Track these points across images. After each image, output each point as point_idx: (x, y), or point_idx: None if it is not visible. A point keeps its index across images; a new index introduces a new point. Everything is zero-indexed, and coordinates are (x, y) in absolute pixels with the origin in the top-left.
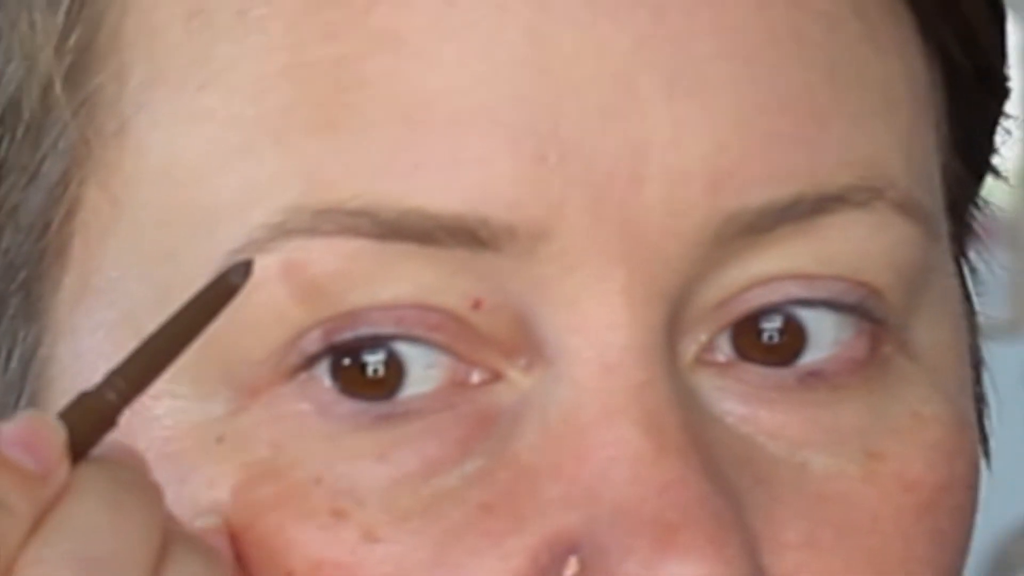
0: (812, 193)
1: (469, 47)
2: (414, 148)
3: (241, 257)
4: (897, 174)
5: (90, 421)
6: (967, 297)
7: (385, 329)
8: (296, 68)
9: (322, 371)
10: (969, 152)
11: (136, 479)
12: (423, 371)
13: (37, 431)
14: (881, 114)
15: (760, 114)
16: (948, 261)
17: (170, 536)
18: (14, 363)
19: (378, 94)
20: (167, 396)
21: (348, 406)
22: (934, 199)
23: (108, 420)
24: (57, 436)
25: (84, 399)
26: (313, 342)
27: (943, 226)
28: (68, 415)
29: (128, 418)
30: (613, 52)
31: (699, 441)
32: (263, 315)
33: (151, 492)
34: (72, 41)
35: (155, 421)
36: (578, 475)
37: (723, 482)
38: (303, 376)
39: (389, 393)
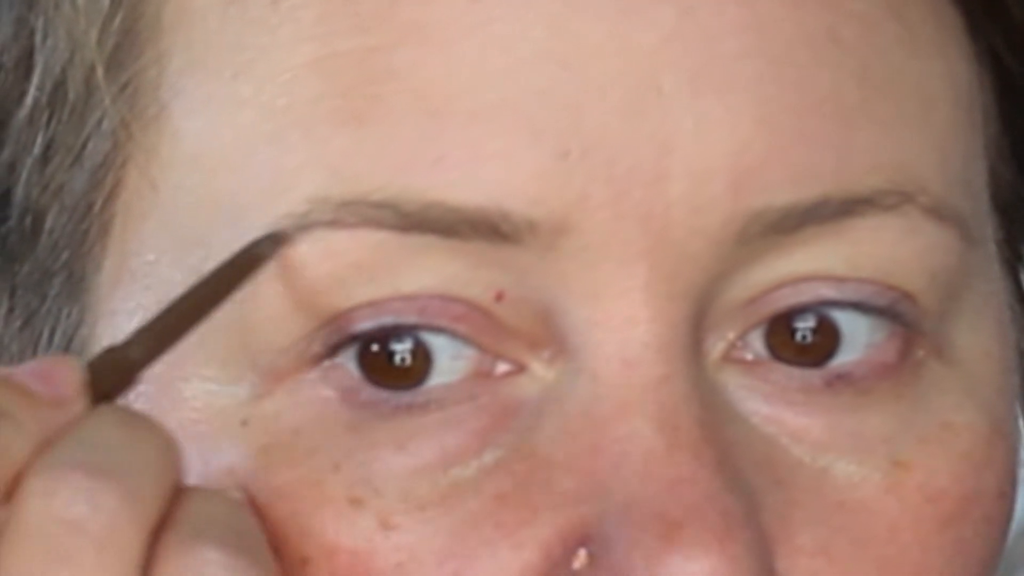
0: (838, 195)
1: (493, 40)
2: (437, 141)
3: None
4: (930, 178)
5: (113, 375)
6: (1021, 300)
7: (408, 319)
8: (325, 59)
9: (348, 358)
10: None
11: (153, 422)
12: (450, 361)
13: (54, 365)
14: (915, 117)
15: (786, 114)
16: (992, 265)
17: (190, 487)
18: (57, 341)
19: (404, 87)
20: (196, 378)
21: (370, 393)
22: (974, 203)
23: (130, 376)
24: (74, 373)
25: (109, 354)
26: (335, 331)
27: (986, 230)
28: (93, 367)
29: (158, 398)
30: (638, 48)
31: (715, 438)
32: (287, 303)
33: (168, 436)
34: (115, 24)
35: (184, 402)
36: (592, 469)
37: (737, 481)
38: (327, 363)
39: (416, 382)
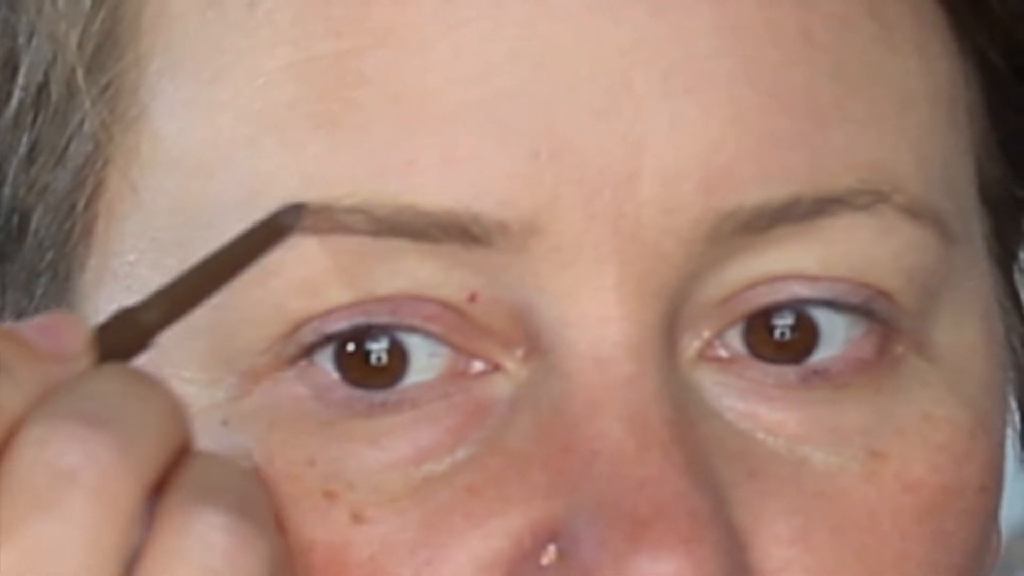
0: (811, 194)
1: (465, 43)
2: (409, 145)
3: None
4: (906, 177)
5: (125, 338)
6: (1013, 296)
7: (381, 319)
8: (300, 63)
9: (325, 358)
10: (1014, 150)
11: (161, 384)
12: (426, 359)
13: (59, 321)
14: (892, 116)
15: (757, 114)
16: (978, 262)
17: (198, 451)
18: None
19: (376, 90)
20: (176, 380)
21: (346, 392)
22: (956, 201)
23: (143, 340)
24: (79, 329)
25: (123, 316)
26: (309, 333)
27: (971, 227)
28: (105, 329)
29: None
30: (610, 48)
31: (686, 437)
32: (262, 308)
33: (176, 399)
34: (96, 26)
35: None
36: (564, 466)
37: (707, 478)
38: (303, 363)
39: (393, 380)
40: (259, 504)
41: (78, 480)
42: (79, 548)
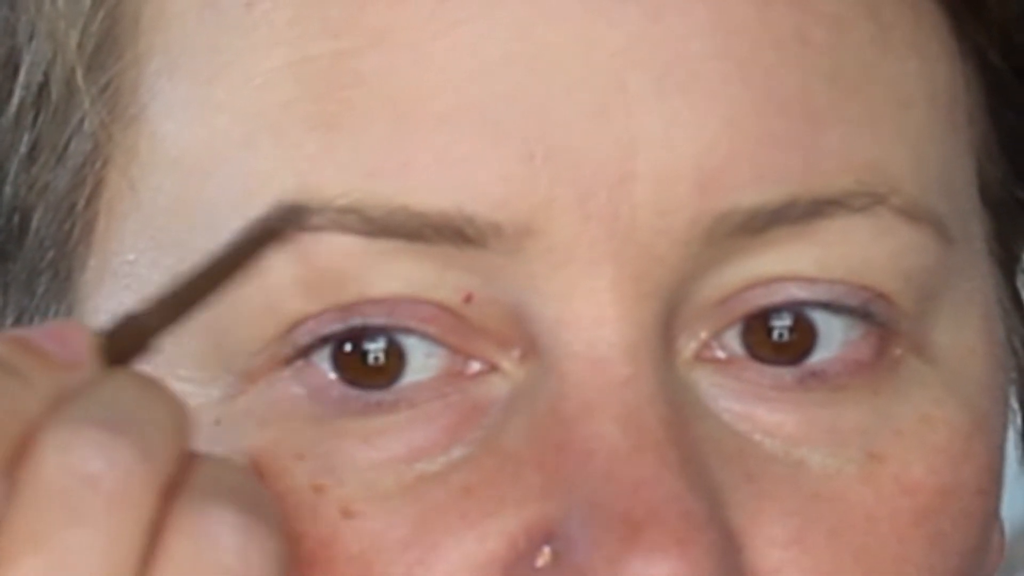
0: (806, 196)
1: (459, 44)
2: (404, 146)
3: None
4: (903, 179)
5: (127, 342)
6: (1014, 297)
7: (377, 320)
8: (297, 64)
9: (322, 358)
10: (1015, 152)
11: (165, 386)
12: (424, 359)
13: (67, 328)
14: (889, 117)
15: (753, 115)
16: (978, 263)
17: (200, 453)
18: None
19: (372, 91)
20: (171, 378)
21: (342, 391)
22: (954, 203)
23: (144, 343)
24: (87, 337)
25: (127, 321)
26: (304, 334)
27: (971, 228)
28: (109, 334)
29: None
30: (604, 50)
31: (681, 438)
32: (257, 308)
33: (179, 401)
34: (95, 26)
35: None
36: (559, 467)
37: (702, 479)
38: (300, 363)
39: (390, 381)
40: (266, 503)
41: (99, 486)
42: (102, 555)
